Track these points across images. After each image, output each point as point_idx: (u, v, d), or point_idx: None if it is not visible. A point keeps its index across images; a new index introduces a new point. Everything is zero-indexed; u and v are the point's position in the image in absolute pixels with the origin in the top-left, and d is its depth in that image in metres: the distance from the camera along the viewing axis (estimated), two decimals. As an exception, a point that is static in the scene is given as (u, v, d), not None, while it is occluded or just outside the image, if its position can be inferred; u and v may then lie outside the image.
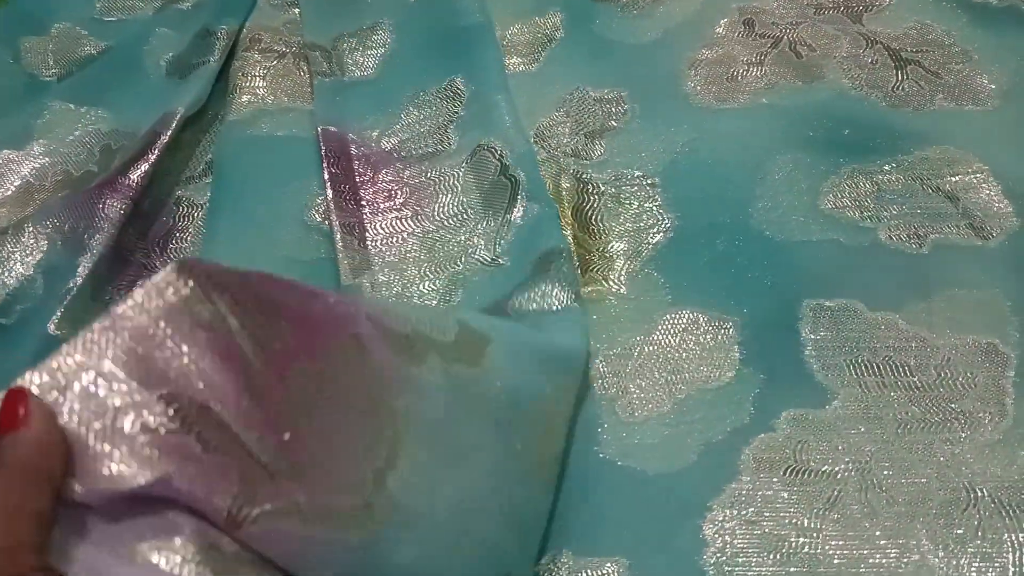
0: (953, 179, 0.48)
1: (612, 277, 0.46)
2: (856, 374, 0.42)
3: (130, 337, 0.25)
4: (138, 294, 0.25)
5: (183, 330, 0.25)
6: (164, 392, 0.24)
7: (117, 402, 0.24)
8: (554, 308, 0.42)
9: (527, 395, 0.36)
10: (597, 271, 0.47)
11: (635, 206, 0.49)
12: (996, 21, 0.55)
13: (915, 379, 0.41)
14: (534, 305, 0.42)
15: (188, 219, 0.53)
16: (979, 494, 0.38)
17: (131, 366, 0.24)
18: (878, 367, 0.42)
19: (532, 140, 0.52)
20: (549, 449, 0.38)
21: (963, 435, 0.40)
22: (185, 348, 0.25)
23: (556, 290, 0.42)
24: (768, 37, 0.55)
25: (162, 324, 0.25)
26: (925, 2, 0.56)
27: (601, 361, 0.43)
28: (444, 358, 0.33)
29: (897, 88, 0.52)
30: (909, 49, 0.54)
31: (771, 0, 0.57)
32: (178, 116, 0.53)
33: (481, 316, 0.39)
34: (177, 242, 0.52)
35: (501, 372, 0.35)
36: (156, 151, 0.52)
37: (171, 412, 0.24)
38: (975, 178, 0.48)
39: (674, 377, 0.43)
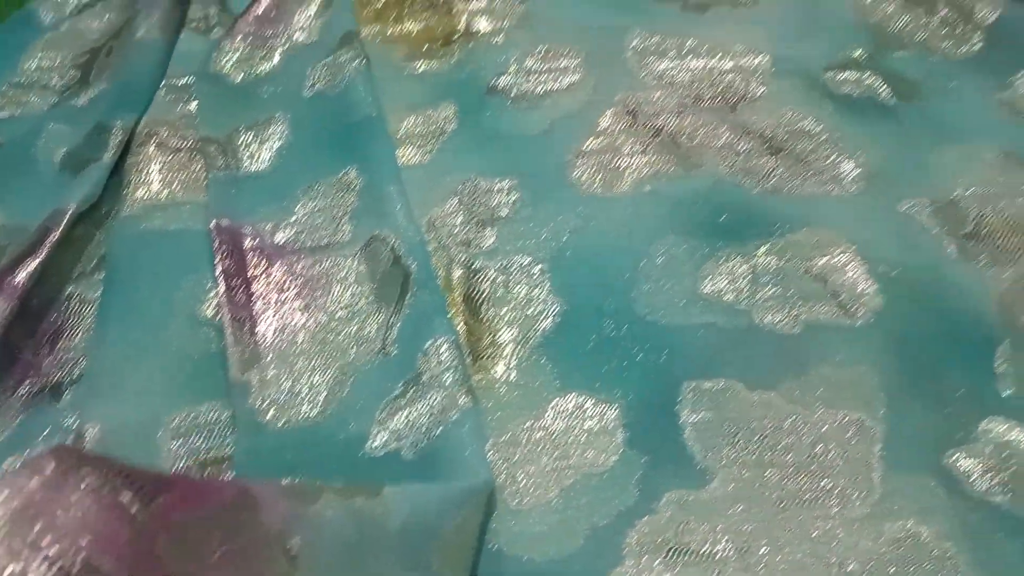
0: (821, 261, 0.50)
1: (502, 364, 0.47)
2: (734, 454, 0.43)
3: (11, 498, 0.25)
4: (22, 462, 0.26)
5: (65, 490, 0.25)
6: (48, 553, 0.24)
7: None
8: (451, 417, 0.43)
9: (428, 535, 0.37)
10: (487, 358, 0.48)
11: (523, 293, 0.50)
12: (859, 110, 0.59)
13: (790, 457, 0.43)
14: (427, 419, 0.43)
15: (78, 316, 0.52)
16: (849, 569, 0.39)
17: (12, 527, 0.24)
18: (755, 446, 0.43)
19: (425, 230, 0.53)
20: None
21: (834, 511, 0.41)
22: (70, 504, 0.25)
23: (446, 396, 0.43)
24: (650, 127, 0.58)
25: (45, 487, 0.25)
26: (795, 93, 0.60)
27: (491, 449, 0.44)
28: (341, 495, 0.33)
29: (770, 174, 0.55)
30: (780, 137, 0.57)
31: (654, 91, 0.60)
32: (70, 212, 0.53)
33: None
34: (67, 340, 0.51)
35: (400, 511, 0.36)
36: (46, 248, 0.52)
37: (55, 571, 0.24)
38: (842, 259, 0.50)
39: (561, 463, 0.43)
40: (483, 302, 0.50)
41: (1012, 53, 0.61)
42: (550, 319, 0.49)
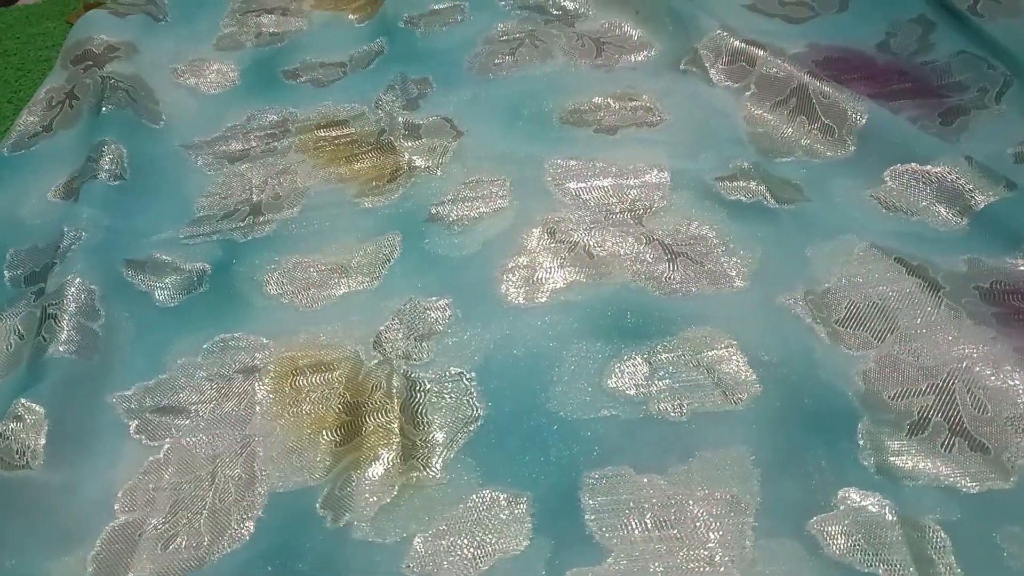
0: (709, 354, 0.58)
1: (432, 464, 0.55)
2: (626, 531, 0.50)
3: None
4: None
5: None
6: None
7: None
8: None
9: None
10: (420, 459, 0.55)
11: (453, 400, 0.58)
12: (746, 214, 0.67)
13: (675, 531, 0.50)
14: None
15: None
16: (721, 628, 0.46)
17: None
18: (645, 524, 0.50)
19: (372, 347, 0.62)
20: None
21: (710, 577, 0.48)
22: None
23: None
24: (567, 242, 0.67)
25: None
26: (692, 202, 0.68)
27: (419, 541, 0.51)
28: None
29: (669, 278, 0.63)
30: (679, 243, 0.66)
31: (570, 210, 0.69)
32: None
33: None
34: None
35: None
36: None
37: None
38: (726, 351, 0.58)
39: (479, 551, 0.51)
40: (419, 408, 0.58)
41: (882, 152, 0.69)
42: (476, 423, 0.57)
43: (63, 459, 0.56)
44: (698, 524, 0.50)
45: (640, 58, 0.84)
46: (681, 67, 0.81)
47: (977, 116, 0.72)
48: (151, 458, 0.58)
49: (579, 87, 0.81)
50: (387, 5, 0.95)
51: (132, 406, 0.61)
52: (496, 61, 0.86)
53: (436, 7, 0.94)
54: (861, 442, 0.53)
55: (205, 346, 0.64)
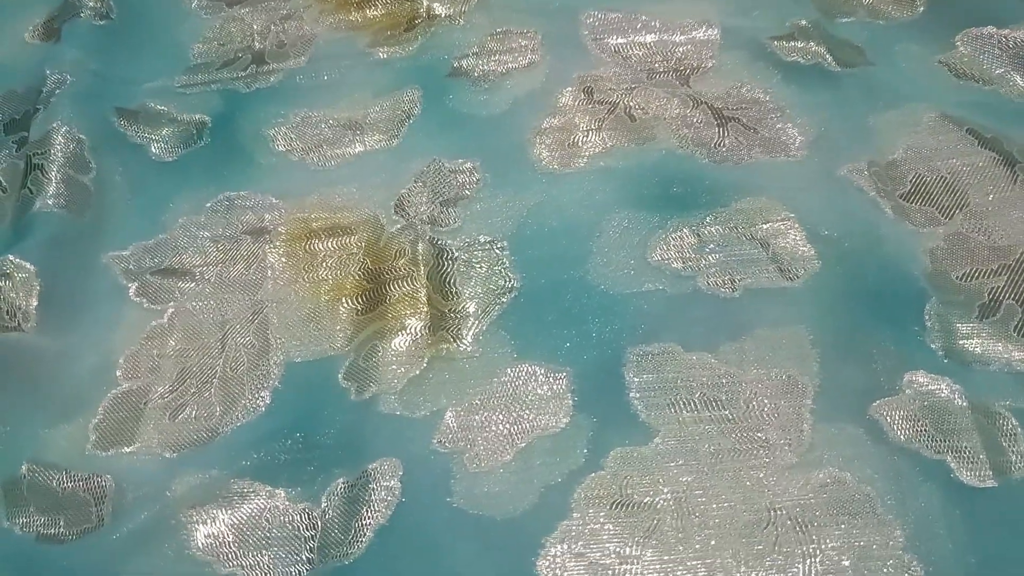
0: (764, 227, 0.53)
1: (463, 336, 0.51)
2: (674, 411, 0.47)
3: None
4: None
5: None
6: None
7: None
8: None
9: None
10: (449, 330, 0.51)
11: (485, 269, 0.54)
12: (804, 78, 0.61)
13: (726, 412, 0.47)
14: None
15: None
16: (777, 514, 0.43)
17: None
18: (694, 404, 0.47)
19: (393, 211, 0.57)
20: None
21: (766, 460, 0.45)
22: None
23: None
24: (606, 103, 0.61)
25: None
26: (744, 63, 0.62)
27: (451, 416, 0.48)
28: None
29: (719, 144, 0.58)
30: (730, 107, 0.60)
31: (609, 67, 0.63)
32: None
33: None
34: None
35: None
36: None
37: None
38: (783, 225, 0.53)
39: (515, 428, 0.47)
40: (447, 278, 0.53)
41: (953, 15, 0.63)
42: (509, 294, 0.52)
43: (58, 322, 0.52)
44: (752, 405, 0.47)
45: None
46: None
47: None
48: (154, 323, 0.53)
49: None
50: None
51: (130, 267, 0.56)
52: None
53: None
54: (929, 324, 0.49)
55: (208, 204, 0.59)
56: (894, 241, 0.52)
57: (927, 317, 0.49)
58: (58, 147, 0.57)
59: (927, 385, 0.47)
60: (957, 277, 0.51)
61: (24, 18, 0.71)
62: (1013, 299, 0.49)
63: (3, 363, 0.50)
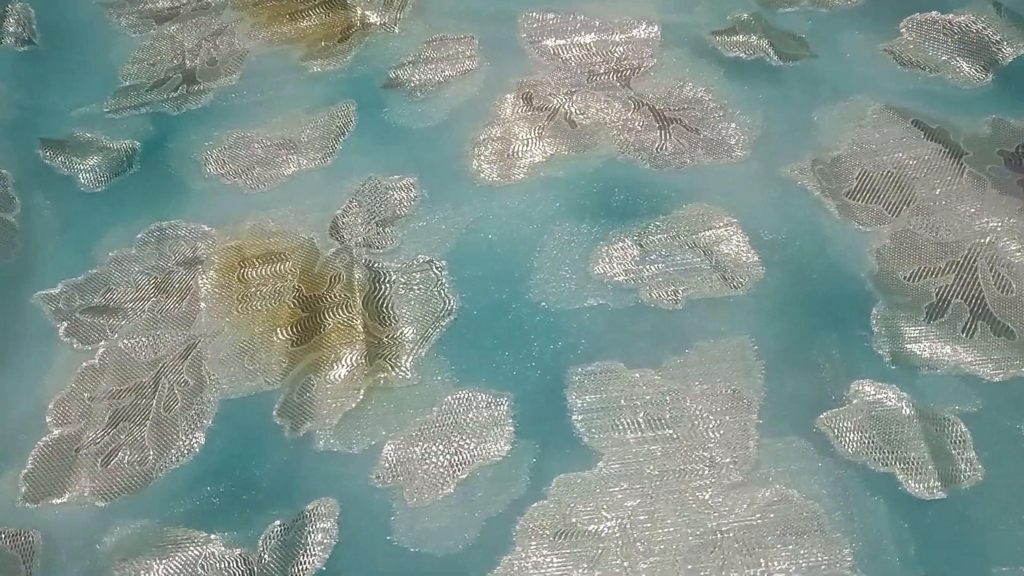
0: (706, 233, 0.52)
1: (401, 363, 0.49)
2: (618, 433, 0.46)
3: None
4: None
5: None
6: None
7: None
8: None
9: None
10: (387, 358, 0.50)
11: (423, 291, 0.52)
12: (747, 73, 0.59)
13: (670, 431, 0.45)
14: None
15: None
16: (723, 536, 0.42)
17: None
18: (638, 424, 0.46)
19: (328, 233, 0.55)
20: None
21: (711, 480, 0.44)
22: None
23: None
24: (545, 109, 0.59)
25: None
26: (685, 60, 0.60)
27: (389, 449, 0.46)
28: None
29: (661, 148, 0.56)
30: (672, 108, 0.58)
31: (548, 71, 0.61)
32: None
33: None
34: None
35: None
36: None
37: None
38: (726, 231, 0.52)
39: (456, 458, 0.46)
40: (384, 302, 0.52)
41: (897, 1, 0.61)
42: (449, 316, 0.51)
43: (-17, 371, 0.50)
44: (696, 422, 0.45)
45: None
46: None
47: (1004, -46, 0.64)
48: (85, 364, 0.52)
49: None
50: None
51: (60, 306, 0.54)
52: None
53: None
54: (875, 328, 0.48)
55: (139, 236, 0.57)
56: (840, 242, 0.51)
57: (874, 321, 0.48)
58: (-22, 185, 0.55)
59: (874, 394, 0.45)
60: (904, 277, 0.50)
61: None
62: (961, 298, 0.48)
63: None
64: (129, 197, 0.59)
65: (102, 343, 0.52)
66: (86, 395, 0.50)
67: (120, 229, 0.57)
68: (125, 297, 0.54)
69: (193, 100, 0.64)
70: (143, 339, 0.52)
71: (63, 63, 0.66)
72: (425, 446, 0.46)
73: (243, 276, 0.54)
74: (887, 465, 0.43)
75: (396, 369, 0.49)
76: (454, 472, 0.45)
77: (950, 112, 0.56)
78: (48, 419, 0.50)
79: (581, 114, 0.59)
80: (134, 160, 0.61)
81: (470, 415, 0.47)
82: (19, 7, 0.67)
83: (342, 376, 0.49)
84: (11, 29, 0.65)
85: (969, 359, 0.46)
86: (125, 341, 0.52)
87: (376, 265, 0.53)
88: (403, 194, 0.57)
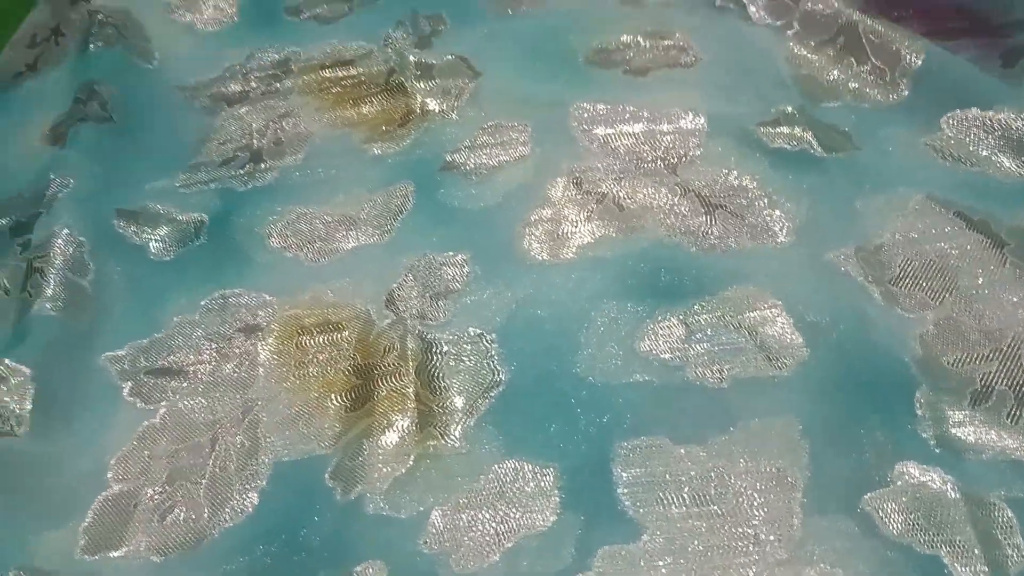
0: (751, 315, 0.53)
1: (451, 432, 0.51)
2: (663, 507, 0.46)
3: None
4: None
5: None
6: None
7: None
8: None
9: None
10: (437, 426, 0.51)
11: (473, 363, 0.54)
12: (791, 163, 0.62)
13: (715, 507, 0.46)
14: None
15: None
16: (768, 614, 0.42)
17: None
18: (683, 499, 0.46)
19: (384, 306, 0.57)
20: None
21: (756, 557, 0.44)
22: None
23: None
24: (594, 193, 0.62)
25: None
26: (730, 150, 0.63)
27: (437, 516, 0.47)
28: None
29: (707, 233, 0.58)
30: (717, 195, 0.60)
31: (598, 158, 0.64)
32: None
33: None
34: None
35: None
36: None
37: None
38: (770, 312, 0.53)
39: (502, 527, 0.47)
40: (436, 372, 0.53)
41: (938, 98, 0.63)
42: (497, 388, 0.52)
43: (51, 425, 0.52)
44: (741, 500, 0.46)
45: (672, -8, 0.78)
46: (717, 3, 0.75)
47: (1042, 57, 0.66)
48: (146, 423, 0.54)
49: (606, 24, 0.75)
50: (395, -64, 0.88)
51: (125, 367, 0.56)
52: (515, -6, 0.80)
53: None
54: (920, 412, 0.48)
55: (203, 303, 0.60)
56: (883, 327, 0.52)
57: (918, 405, 0.49)
58: (58, 250, 0.58)
59: (919, 476, 0.46)
60: (948, 363, 0.50)
61: (34, 122, 0.73)
62: (1006, 385, 0.49)
63: None
64: (195, 266, 0.62)
65: (163, 403, 0.54)
66: (146, 453, 0.52)
67: (185, 296, 0.60)
68: (187, 360, 0.56)
69: (259, 177, 0.67)
70: (202, 401, 0.54)
71: (140, 140, 0.70)
72: (472, 514, 0.47)
73: (301, 344, 0.56)
74: (933, 548, 0.43)
75: (445, 437, 0.50)
76: (500, 541, 0.46)
77: (992, 204, 0.57)
78: (109, 474, 0.51)
79: (629, 198, 0.61)
80: (202, 232, 0.64)
81: (517, 485, 0.48)
82: (103, 88, 0.71)
83: (393, 442, 0.50)
84: (95, 107, 0.70)
85: (1014, 445, 0.47)
86: (185, 402, 0.54)
87: (429, 336, 0.55)
88: (456, 270, 0.59)
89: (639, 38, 0.73)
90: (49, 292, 0.56)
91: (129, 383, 0.56)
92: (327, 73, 0.75)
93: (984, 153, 0.61)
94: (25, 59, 0.79)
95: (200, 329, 0.58)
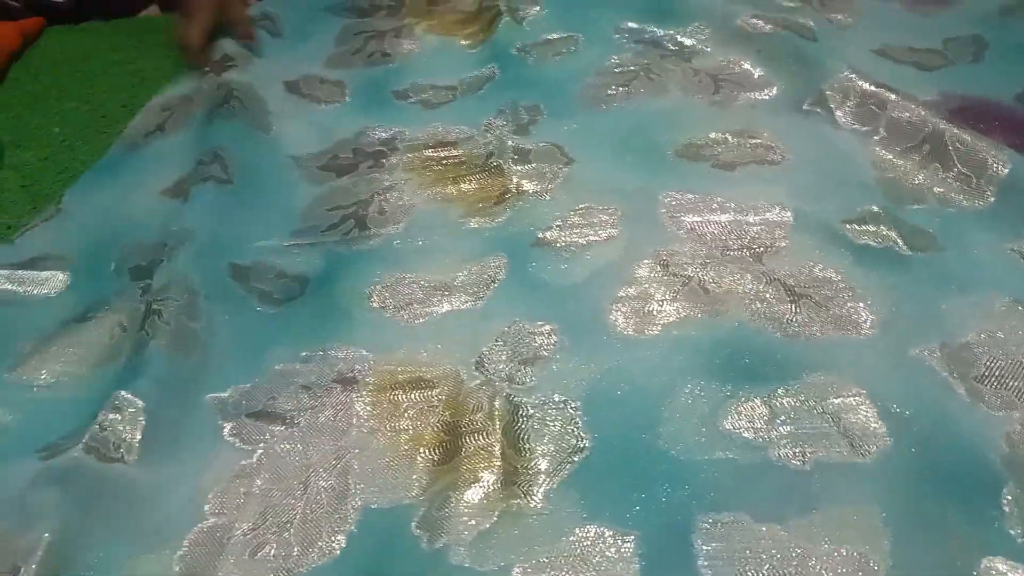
0: (835, 401, 0.54)
1: (534, 492, 0.52)
2: (743, 584, 0.47)
3: None
4: None
5: None
6: None
7: None
8: None
9: None
10: (521, 486, 0.53)
11: (558, 428, 0.55)
12: (876, 260, 0.63)
13: (795, 588, 0.46)
14: None
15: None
16: None
17: None
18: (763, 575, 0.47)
19: (474, 367, 0.60)
20: None
21: (837, 642, 0.44)
22: None
23: None
24: (680, 276, 0.64)
25: None
26: (816, 244, 0.65)
27: (518, 573, 0.48)
28: None
29: (791, 320, 0.60)
30: (802, 285, 0.62)
31: (684, 244, 0.67)
32: None
33: None
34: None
35: None
36: None
37: None
38: (854, 400, 0.54)
39: (582, 589, 0.48)
40: (521, 434, 0.55)
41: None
42: (581, 454, 0.54)
43: (157, 456, 0.55)
44: (822, 583, 0.46)
45: (761, 96, 0.82)
46: (804, 107, 0.78)
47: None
48: (243, 462, 0.56)
49: (694, 122, 0.79)
50: (500, 32, 0.94)
51: (228, 408, 0.60)
52: (608, 92, 0.85)
53: (549, 36, 0.94)
54: (1007, 509, 0.48)
55: (304, 354, 0.63)
56: (968, 423, 0.53)
57: (1005, 502, 0.49)
58: (175, 296, 0.63)
59: (1007, 573, 0.45)
60: (1036, 462, 0.50)
61: (160, 177, 0.79)
62: (1096, 487, 0.49)
63: (102, 492, 0.53)
64: (298, 320, 0.66)
65: (261, 445, 0.57)
66: (242, 490, 0.55)
67: (287, 347, 0.64)
68: (286, 406, 0.59)
69: (363, 242, 0.71)
70: (298, 445, 0.57)
71: (254, 201, 0.75)
72: (553, 574, 0.48)
73: (394, 398, 0.59)
74: (1019, 644, 0.43)
75: (528, 497, 0.52)
76: (579, 602, 0.47)
77: (1080, 310, 0.58)
78: (206, 507, 0.54)
79: (714, 282, 0.63)
80: (306, 288, 0.68)
81: (597, 549, 0.49)
82: (225, 153, 0.77)
83: (478, 497, 0.52)
84: (217, 169, 0.75)
85: (1106, 548, 0.46)
86: (282, 445, 0.57)
87: (516, 399, 0.57)
88: (544, 339, 0.61)
89: (727, 135, 0.77)
90: (165, 333, 0.60)
91: (230, 423, 0.59)
92: (430, 152, 0.80)
93: (1071, 261, 0.62)
94: (156, 121, 0.86)
95: (299, 379, 0.61)
